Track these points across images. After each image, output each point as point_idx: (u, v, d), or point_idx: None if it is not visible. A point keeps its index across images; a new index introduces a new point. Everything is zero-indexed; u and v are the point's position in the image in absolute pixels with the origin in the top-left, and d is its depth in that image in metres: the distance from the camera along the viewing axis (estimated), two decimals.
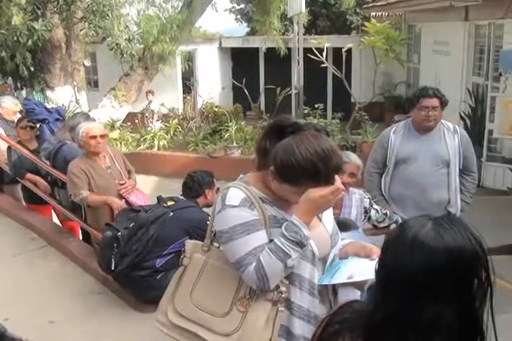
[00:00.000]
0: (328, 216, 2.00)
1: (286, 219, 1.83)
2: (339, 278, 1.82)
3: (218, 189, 3.99)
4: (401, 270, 1.17)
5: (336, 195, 1.79)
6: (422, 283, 1.14)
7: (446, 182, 3.90)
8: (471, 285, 1.16)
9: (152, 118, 11.94)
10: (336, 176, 1.79)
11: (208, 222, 3.72)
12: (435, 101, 3.76)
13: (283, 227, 1.78)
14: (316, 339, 1.37)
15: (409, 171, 3.89)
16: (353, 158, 3.26)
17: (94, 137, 4.37)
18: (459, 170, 3.92)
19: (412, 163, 3.88)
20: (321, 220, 1.96)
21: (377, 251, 1.86)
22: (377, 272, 1.26)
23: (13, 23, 9.07)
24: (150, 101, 12.38)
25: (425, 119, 3.79)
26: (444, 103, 3.81)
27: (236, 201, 1.82)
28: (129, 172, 4.74)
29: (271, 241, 1.80)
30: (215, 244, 1.98)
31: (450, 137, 3.88)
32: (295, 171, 1.75)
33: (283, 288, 1.82)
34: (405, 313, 1.15)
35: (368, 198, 3.42)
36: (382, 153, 3.96)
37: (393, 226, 3.49)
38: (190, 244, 2.08)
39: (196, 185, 4.05)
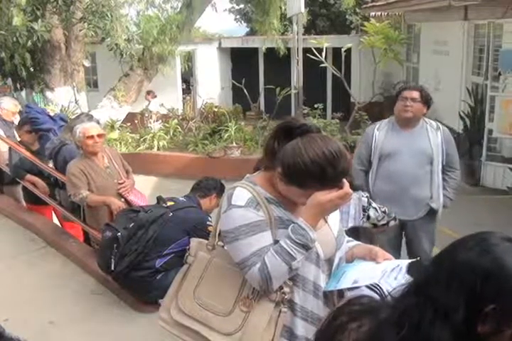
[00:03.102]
0: (334, 217, 1.99)
1: (292, 221, 1.82)
2: (345, 283, 1.82)
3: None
4: (447, 266, 1.17)
5: (344, 200, 1.79)
6: (450, 279, 1.15)
7: (428, 178, 3.93)
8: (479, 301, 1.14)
9: (150, 119, 11.94)
10: (344, 179, 1.78)
11: (207, 222, 3.77)
12: (414, 93, 3.81)
13: (289, 229, 1.77)
14: (321, 331, 1.37)
15: (392, 167, 3.90)
16: None
17: (91, 137, 4.37)
18: (442, 166, 3.95)
19: (395, 158, 3.90)
20: (326, 221, 1.95)
21: (382, 255, 1.86)
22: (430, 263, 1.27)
23: (14, 23, 9.07)
24: (149, 102, 12.38)
25: (402, 110, 3.82)
26: (424, 97, 3.83)
27: (242, 201, 1.81)
28: (126, 172, 4.74)
29: (276, 241, 1.80)
30: (220, 243, 1.97)
31: (433, 134, 3.91)
32: (302, 173, 1.74)
33: (286, 289, 1.81)
34: (429, 304, 1.15)
35: (366, 197, 3.41)
36: (367, 149, 3.97)
37: (392, 223, 3.48)
38: (195, 242, 2.07)
39: (209, 185, 4.10)
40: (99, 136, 4.42)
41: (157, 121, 12.01)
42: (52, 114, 6.15)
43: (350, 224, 3.19)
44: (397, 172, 3.88)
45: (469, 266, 1.15)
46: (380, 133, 3.96)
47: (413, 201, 3.93)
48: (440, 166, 3.93)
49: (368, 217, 3.37)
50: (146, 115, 11.96)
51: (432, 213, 3.99)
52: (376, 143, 3.94)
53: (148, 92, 12.54)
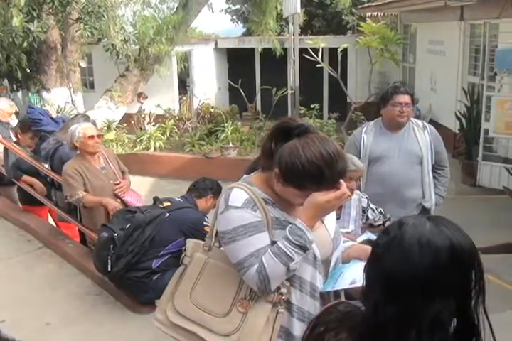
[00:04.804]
0: (330, 218, 1.99)
1: (289, 221, 1.82)
2: (342, 284, 1.82)
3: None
4: (407, 269, 1.17)
5: (341, 200, 1.79)
6: (429, 280, 1.15)
7: (419, 178, 3.94)
8: (469, 282, 1.17)
9: (145, 121, 11.92)
10: (341, 180, 1.78)
11: (204, 223, 3.77)
12: (407, 98, 3.84)
13: (287, 231, 1.77)
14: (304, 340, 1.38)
15: (384, 169, 3.91)
16: (359, 165, 3.26)
17: (92, 137, 4.39)
18: (432, 165, 3.97)
19: (386, 161, 3.91)
20: (323, 222, 1.95)
21: None
22: (374, 274, 1.24)
23: (13, 24, 9.03)
24: (141, 104, 12.34)
25: (399, 115, 3.84)
26: (414, 101, 3.93)
27: (239, 202, 1.81)
28: (123, 172, 4.74)
29: (273, 242, 1.79)
30: (217, 244, 1.96)
31: (420, 133, 3.93)
32: (300, 174, 1.74)
33: (283, 290, 1.81)
34: (411, 312, 1.15)
35: (366, 198, 3.42)
36: (355, 153, 3.95)
37: (387, 223, 3.49)
38: (191, 243, 2.06)
39: (205, 186, 4.11)
40: (98, 136, 4.47)
41: (151, 122, 11.99)
42: (54, 116, 6.14)
43: (351, 226, 3.20)
44: (388, 174, 3.89)
45: (433, 266, 1.15)
46: (367, 136, 3.98)
47: (406, 202, 3.94)
48: (430, 165, 3.95)
49: (367, 218, 3.38)
50: (143, 116, 11.95)
51: (425, 212, 3.99)
52: (365, 146, 3.95)
53: (139, 95, 12.44)
